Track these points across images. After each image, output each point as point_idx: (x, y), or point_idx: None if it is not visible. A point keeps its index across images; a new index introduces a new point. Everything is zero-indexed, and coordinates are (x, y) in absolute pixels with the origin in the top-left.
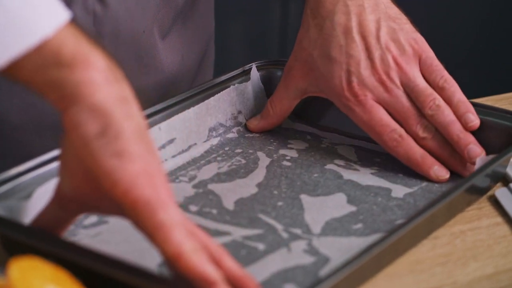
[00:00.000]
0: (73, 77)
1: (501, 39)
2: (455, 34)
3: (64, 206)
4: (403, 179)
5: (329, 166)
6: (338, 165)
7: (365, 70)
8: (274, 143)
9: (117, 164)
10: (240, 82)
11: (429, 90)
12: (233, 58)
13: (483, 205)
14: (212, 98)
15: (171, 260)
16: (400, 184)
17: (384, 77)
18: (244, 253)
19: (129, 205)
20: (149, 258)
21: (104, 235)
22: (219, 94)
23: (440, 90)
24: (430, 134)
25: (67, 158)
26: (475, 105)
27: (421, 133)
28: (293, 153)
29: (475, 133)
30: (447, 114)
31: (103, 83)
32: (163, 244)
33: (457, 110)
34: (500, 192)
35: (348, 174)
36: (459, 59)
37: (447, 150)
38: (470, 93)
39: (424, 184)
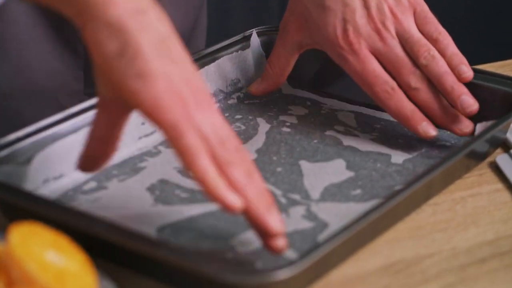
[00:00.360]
0: None
1: (503, 4)
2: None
3: (109, 109)
4: (402, 145)
5: (329, 132)
6: (338, 131)
7: (360, 18)
8: (274, 109)
9: (140, 85)
10: (241, 48)
11: (424, 40)
12: (231, 25)
13: (484, 171)
14: (212, 64)
15: (198, 183)
16: (399, 150)
17: (379, 25)
18: (243, 218)
19: (157, 125)
20: (147, 223)
21: (103, 201)
22: (219, 60)
23: (434, 42)
24: (423, 85)
25: (96, 70)
26: (475, 71)
27: (413, 83)
28: (292, 119)
29: (476, 98)
30: (441, 65)
31: None
32: (189, 168)
33: (450, 61)
34: (501, 158)
35: (347, 140)
36: (460, 25)
37: (438, 104)
38: (471, 60)
39: (424, 150)
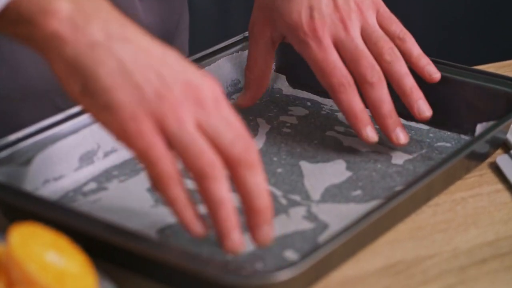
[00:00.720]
0: (37, 33)
1: (503, 4)
2: None
3: None
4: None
5: (329, 133)
6: (338, 132)
7: (327, 7)
8: (274, 110)
9: (108, 116)
10: (241, 49)
11: (387, 37)
12: (231, 25)
13: (484, 172)
14: (212, 65)
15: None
16: (400, 150)
17: (345, 16)
18: (244, 219)
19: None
20: (148, 225)
21: (103, 202)
22: (219, 60)
23: (400, 41)
24: (379, 81)
25: None
26: (475, 71)
27: (370, 77)
28: (293, 120)
29: (475, 99)
30: (403, 66)
31: (68, 33)
32: (160, 194)
33: (418, 61)
34: (501, 159)
35: (348, 141)
36: (460, 25)
37: (387, 106)
38: (471, 60)
39: (424, 151)
